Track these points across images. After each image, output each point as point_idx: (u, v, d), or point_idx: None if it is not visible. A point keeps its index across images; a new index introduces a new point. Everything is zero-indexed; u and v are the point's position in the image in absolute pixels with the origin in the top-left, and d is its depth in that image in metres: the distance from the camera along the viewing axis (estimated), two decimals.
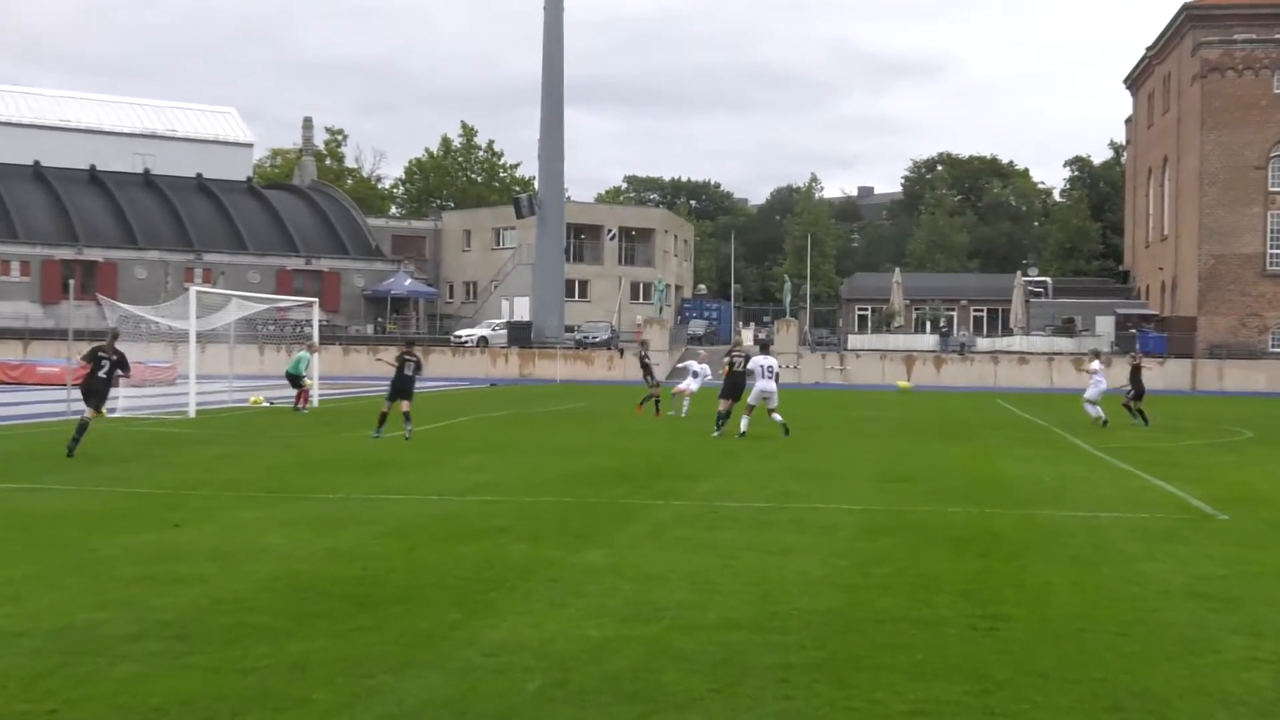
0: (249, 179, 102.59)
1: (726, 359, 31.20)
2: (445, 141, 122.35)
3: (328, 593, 10.71)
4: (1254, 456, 26.48)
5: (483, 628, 9.52)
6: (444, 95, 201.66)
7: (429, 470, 20.97)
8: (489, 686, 7.99)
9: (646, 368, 38.90)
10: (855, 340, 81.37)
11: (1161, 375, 70.61)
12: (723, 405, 29.91)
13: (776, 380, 29.77)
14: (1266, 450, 28.13)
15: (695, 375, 37.48)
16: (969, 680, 8.22)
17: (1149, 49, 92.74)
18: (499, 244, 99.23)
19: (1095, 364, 35.73)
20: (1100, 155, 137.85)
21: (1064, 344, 76.18)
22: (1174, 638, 9.46)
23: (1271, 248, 76.44)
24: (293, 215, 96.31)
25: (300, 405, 36.53)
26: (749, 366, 30.09)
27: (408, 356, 28.54)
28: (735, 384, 30.07)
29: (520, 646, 8.96)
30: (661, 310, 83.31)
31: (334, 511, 15.72)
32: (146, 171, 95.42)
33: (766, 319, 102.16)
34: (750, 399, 29.57)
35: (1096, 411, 34.05)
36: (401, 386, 28.15)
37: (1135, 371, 35.63)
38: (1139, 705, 7.77)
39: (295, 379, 37.41)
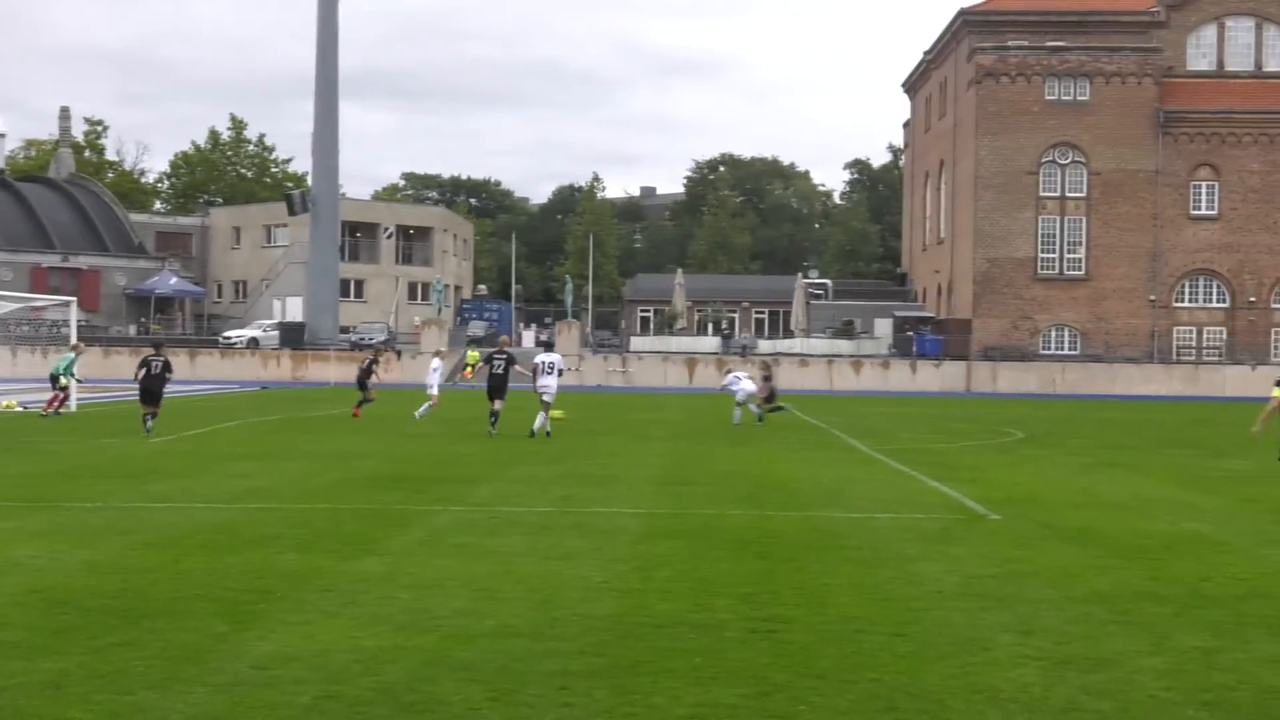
0: (0, 171, 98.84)
1: (486, 361, 31.71)
2: (213, 134, 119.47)
3: (86, 607, 10.41)
4: (1025, 457, 27.50)
5: (251, 639, 9.37)
6: (210, 85, 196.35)
7: (195, 477, 20.51)
8: (258, 700, 7.87)
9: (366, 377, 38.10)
10: (638, 342, 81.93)
11: (938, 377, 72.78)
12: (495, 405, 30.55)
13: (559, 376, 30.35)
14: (1037, 451, 29.23)
15: (435, 370, 37.29)
16: (747, 683, 8.37)
17: (926, 54, 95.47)
18: (270, 241, 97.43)
19: (732, 373, 37.93)
20: (879, 158, 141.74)
21: (844, 346, 77.87)
22: (948, 637, 9.78)
23: (1043, 251, 79.36)
24: (48, 209, 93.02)
25: (50, 409, 35.09)
26: (534, 362, 30.62)
27: (153, 358, 28.15)
28: (497, 384, 30.67)
29: (291, 658, 8.84)
30: (440, 311, 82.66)
31: (92, 521, 15.27)
32: None
33: (548, 320, 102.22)
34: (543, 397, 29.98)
35: (738, 415, 35.79)
36: (149, 389, 27.83)
37: (765, 380, 38.01)
38: (913, 705, 8.01)
39: (56, 379, 36.14)
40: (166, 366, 28.66)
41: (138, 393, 28.76)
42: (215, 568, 12.24)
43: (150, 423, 28.16)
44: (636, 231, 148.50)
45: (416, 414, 34.52)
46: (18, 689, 8.01)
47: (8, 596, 10.80)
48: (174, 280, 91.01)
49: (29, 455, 24.14)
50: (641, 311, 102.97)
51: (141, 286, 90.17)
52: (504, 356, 30.99)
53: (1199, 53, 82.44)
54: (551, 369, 30.07)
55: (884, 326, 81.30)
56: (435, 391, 36.13)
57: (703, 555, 13.35)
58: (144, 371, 28.50)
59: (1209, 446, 31.62)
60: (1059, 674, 8.78)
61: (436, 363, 37.79)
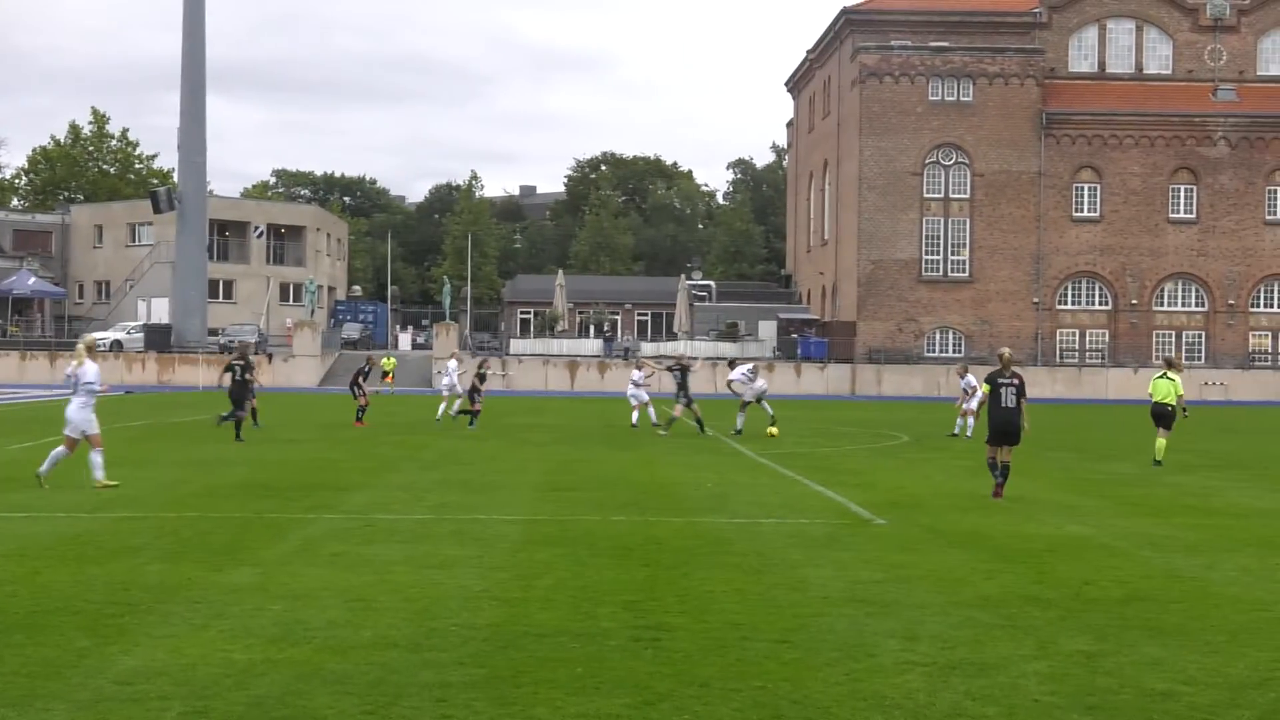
0: None
1: (667, 366, 36.88)
2: (74, 129, 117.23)
3: None
4: (910, 461, 27.84)
5: (115, 654, 9.20)
6: (67, 76, 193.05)
7: (55, 486, 20.05)
8: (121, 716, 7.73)
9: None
10: (518, 345, 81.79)
11: (822, 380, 73.50)
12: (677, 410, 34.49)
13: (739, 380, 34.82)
14: (922, 454, 29.60)
15: (451, 371, 39.85)
16: (630, 693, 8.38)
17: (809, 52, 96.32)
18: (135, 240, 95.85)
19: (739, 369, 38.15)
20: (763, 158, 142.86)
21: (728, 349, 78.32)
22: (833, 644, 9.86)
23: (927, 253, 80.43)
24: None
25: None
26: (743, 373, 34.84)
27: (236, 362, 30.97)
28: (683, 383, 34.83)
29: (157, 673, 8.70)
30: (313, 312, 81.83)
31: None
32: None
33: (425, 321, 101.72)
34: (750, 398, 34.47)
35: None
36: (234, 395, 30.51)
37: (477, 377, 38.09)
38: (798, 712, 8.07)
39: None
40: (245, 369, 31.03)
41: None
42: (77, 580, 12.00)
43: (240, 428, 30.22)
44: (516, 231, 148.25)
45: (438, 416, 37.75)
46: None
47: None
48: (32, 280, 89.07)
49: None
50: (522, 313, 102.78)
51: None
52: (679, 367, 35.15)
53: (1081, 54, 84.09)
54: (755, 373, 35.02)
55: (768, 329, 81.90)
56: (459, 390, 38.77)
57: (585, 563, 13.34)
58: (229, 376, 30.96)
59: (1092, 449, 32.23)
60: (944, 679, 8.89)
61: (454, 364, 40.49)
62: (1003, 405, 19.70)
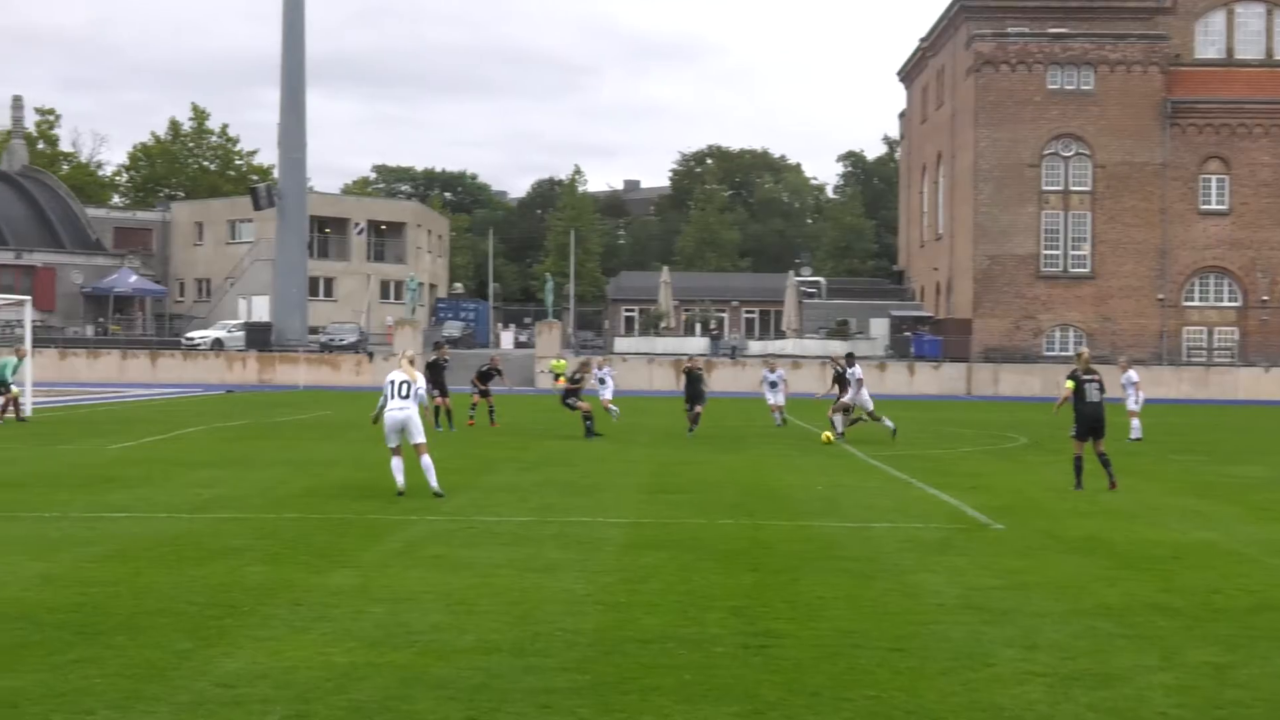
0: None
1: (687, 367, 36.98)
2: (173, 125, 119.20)
3: (42, 621, 10.37)
4: (1028, 464, 27.55)
5: (216, 656, 9.34)
6: (161, 70, 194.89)
7: (156, 486, 20.44)
8: (223, 719, 7.85)
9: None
10: (622, 343, 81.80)
11: (936, 380, 72.87)
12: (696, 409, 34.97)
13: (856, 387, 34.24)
14: (1040, 457, 29.25)
15: (603, 382, 40.16)
16: (739, 701, 8.37)
17: (922, 41, 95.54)
18: (235, 238, 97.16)
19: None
20: (874, 150, 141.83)
21: (838, 347, 77.88)
22: (948, 652, 9.78)
23: (1046, 248, 79.48)
24: (0, 204, 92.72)
25: (5, 414, 35.31)
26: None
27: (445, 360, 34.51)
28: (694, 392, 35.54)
29: (258, 676, 8.81)
30: (414, 310, 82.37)
31: (49, 532, 15.21)
32: None
33: (528, 320, 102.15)
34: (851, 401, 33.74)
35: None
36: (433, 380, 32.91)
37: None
38: None
39: (2, 385, 36.14)
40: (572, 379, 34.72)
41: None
42: (178, 581, 12.20)
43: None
44: (620, 227, 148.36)
45: (613, 418, 37.85)
46: None
47: None
48: (133, 278, 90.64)
49: None
50: (626, 311, 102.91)
51: (99, 285, 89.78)
52: (698, 373, 36.39)
53: (1208, 40, 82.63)
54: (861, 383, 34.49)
55: (880, 327, 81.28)
56: (609, 395, 39.87)
57: (692, 567, 13.34)
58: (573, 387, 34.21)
59: (1220, 452, 31.70)
60: (1065, 691, 8.79)
61: (610, 370, 42.32)
62: (1088, 400, 21.29)
